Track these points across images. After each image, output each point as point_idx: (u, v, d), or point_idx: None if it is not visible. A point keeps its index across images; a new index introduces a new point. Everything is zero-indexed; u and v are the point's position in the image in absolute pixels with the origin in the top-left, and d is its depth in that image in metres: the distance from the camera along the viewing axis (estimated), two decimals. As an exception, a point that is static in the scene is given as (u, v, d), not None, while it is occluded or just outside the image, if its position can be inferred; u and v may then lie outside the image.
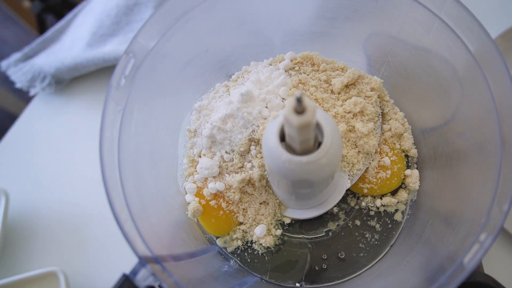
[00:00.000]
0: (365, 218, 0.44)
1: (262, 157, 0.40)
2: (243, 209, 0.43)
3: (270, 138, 0.31)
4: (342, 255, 0.43)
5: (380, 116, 0.45)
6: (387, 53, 0.45)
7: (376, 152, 0.43)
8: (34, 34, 1.27)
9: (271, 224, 0.43)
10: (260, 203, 0.43)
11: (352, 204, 0.45)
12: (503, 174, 0.30)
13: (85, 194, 0.59)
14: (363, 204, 0.44)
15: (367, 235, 0.43)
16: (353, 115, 0.42)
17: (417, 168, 0.45)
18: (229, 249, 0.43)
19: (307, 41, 0.48)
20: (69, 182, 0.60)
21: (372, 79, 0.44)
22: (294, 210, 0.43)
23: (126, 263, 0.33)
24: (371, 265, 0.42)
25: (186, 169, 0.45)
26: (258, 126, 0.40)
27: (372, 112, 0.43)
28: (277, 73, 0.44)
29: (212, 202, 0.42)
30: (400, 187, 0.44)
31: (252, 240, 0.43)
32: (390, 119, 0.45)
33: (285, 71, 0.45)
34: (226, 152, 0.42)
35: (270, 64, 0.46)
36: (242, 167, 0.42)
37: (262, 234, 0.42)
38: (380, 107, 0.45)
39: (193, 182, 0.43)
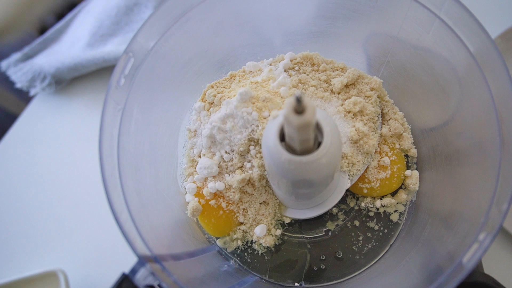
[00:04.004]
0: (364, 218, 0.44)
1: (261, 157, 0.40)
2: (243, 209, 0.43)
3: (270, 138, 0.31)
4: (340, 255, 0.43)
5: (380, 116, 0.45)
6: (386, 53, 0.45)
7: (376, 152, 0.43)
8: (34, 34, 1.27)
9: (271, 224, 0.43)
10: (260, 203, 0.43)
11: (352, 204, 0.45)
12: (502, 174, 0.30)
13: (85, 194, 0.59)
14: (363, 204, 0.44)
15: (366, 236, 0.43)
16: (353, 115, 0.42)
17: (416, 169, 0.45)
18: (229, 249, 0.43)
19: (307, 41, 0.48)
20: (69, 182, 0.60)
21: (371, 79, 0.44)
22: (294, 210, 0.43)
23: (126, 262, 0.33)
24: (370, 265, 0.42)
25: (186, 169, 0.45)
26: (258, 126, 0.40)
27: (372, 112, 0.43)
28: (277, 73, 0.44)
29: (212, 202, 0.42)
30: (400, 188, 0.44)
31: (252, 240, 0.43)
32: (389, 119, 0.45)
33: (285, 71, 0.45)
34: (226, 152, 0.42)
35: (270, 64, 0.46)
36: (241, 167, 0.42)
37: (262, 234, 0.42)
38: (380, 107, 0.45)
39: (193, 182, 0.43)
